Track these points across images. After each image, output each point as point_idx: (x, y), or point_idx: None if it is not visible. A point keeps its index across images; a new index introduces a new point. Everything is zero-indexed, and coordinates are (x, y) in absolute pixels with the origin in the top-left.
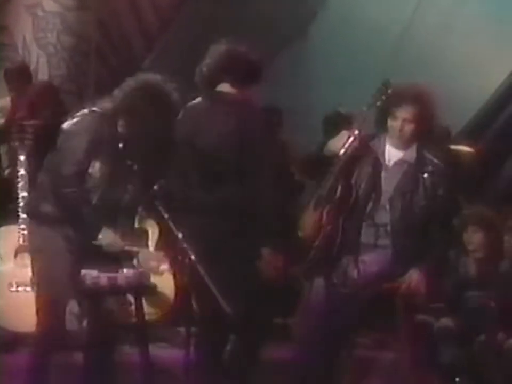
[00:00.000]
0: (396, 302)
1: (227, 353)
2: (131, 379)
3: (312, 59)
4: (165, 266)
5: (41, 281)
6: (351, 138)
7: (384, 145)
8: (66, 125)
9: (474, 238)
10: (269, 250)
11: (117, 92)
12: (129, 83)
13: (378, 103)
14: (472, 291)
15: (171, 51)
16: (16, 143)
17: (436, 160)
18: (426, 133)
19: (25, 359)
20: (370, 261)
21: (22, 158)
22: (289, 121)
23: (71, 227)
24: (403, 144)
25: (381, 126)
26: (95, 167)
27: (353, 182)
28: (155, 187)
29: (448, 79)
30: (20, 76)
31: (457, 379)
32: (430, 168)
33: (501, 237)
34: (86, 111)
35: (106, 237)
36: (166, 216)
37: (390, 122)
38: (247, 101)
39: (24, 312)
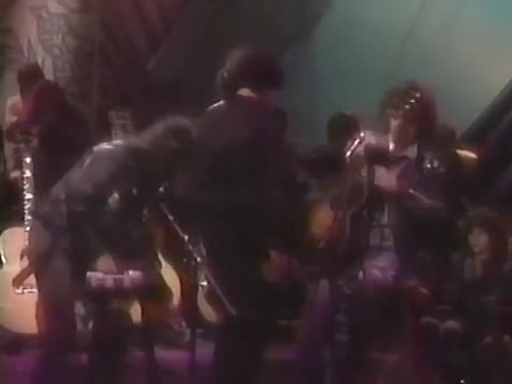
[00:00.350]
0: (401, 304)
1: (231, 355)
2: (136, 380)
3: (317, 61)
4: None
5: (44, 285)
6: (357, 140)
7: (388, 145)
8: (98, 147)
9: (479, 240)
10: (276, 253)
11: (148, 134)
12: (159, 126)
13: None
14: (478, 293)
15: (176, 51)
16: (22, 145)
17: (435, 160)
18: (428, 132)
19: (31, 361)
20: (384, 266)
21: (27, 160)
22: (293, 122)
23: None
24: (404, 143)
25: (383, 125)
26: (114, 198)
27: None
28: (160, 189)
29: (453, 80)
30: (33, 77)
31: (462, 381)
32: (429, 166)
33: (506, 238)
34: (119, 142)
35: (103, 263)
36: (171, 218)
37: (392, 122)
38: (266, 105)
39: (29, 313)
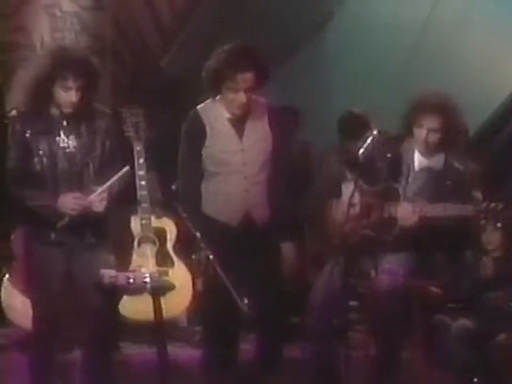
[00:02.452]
0: (412, 303)
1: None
2: (149, 378)
3: (329, 58)
4: None
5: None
6: (370, 138)
7: (414, 151)
8: None
9: (493, 237)
10: (290, 247)
11: None
12: None
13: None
14: (491, 291)
15: (188, 49)
16: None
17: (461, 168)
18: (454, 142)
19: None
20: (395, 268)
21: None
22: (306, 120)
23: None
24: (429, 152)
25: (407, 132)
26: None
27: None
28: (173, 187)
29: (466, 78)
30: None
31: (475, 380)
32: (455, 177)
33: None
34: None
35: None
36: (183, 215)
37: (416, 131)
38: None
39: (29, 310)
